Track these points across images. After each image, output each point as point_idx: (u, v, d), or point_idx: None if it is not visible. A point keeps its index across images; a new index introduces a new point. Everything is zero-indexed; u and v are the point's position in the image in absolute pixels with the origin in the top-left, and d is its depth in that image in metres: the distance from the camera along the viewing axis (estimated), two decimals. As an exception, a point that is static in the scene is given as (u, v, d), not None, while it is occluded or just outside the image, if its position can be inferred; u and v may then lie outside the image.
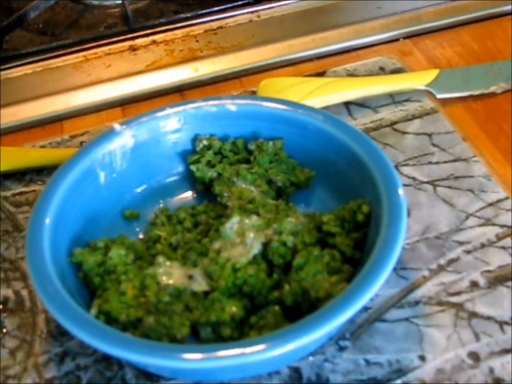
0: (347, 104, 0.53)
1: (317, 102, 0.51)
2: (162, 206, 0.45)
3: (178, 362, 0.32)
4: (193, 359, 0.32)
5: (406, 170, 0.48)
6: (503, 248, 0.42)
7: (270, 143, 0.45)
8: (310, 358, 0.38)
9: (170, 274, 0.38)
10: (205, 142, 0.45)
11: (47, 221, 0.38)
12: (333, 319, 0.33)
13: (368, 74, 0.56)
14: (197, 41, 0.61)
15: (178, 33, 0.62)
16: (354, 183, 0.42)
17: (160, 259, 0.39)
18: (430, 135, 0.50)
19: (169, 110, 0.45)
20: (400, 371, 0.37)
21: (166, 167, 0.46)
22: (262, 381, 0.37)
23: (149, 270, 0.38)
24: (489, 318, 0.39)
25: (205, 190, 0.46)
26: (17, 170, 0.50)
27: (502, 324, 0.39)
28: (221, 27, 0.62)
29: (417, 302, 0.40)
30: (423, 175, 0.47)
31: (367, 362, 0.37)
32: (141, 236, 0.44)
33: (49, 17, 0.66)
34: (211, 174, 0.45)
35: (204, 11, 0.63)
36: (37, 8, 0.65)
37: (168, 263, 0.39)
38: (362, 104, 0.53)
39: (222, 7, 0.63)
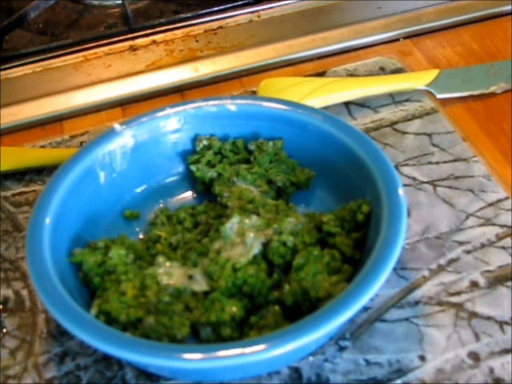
0: (347, 104, 0.53)
1: (317, 102, 0.51)
2: (161, 206, 0.45)
3: (178, 362, 0.32)
4: (193, 359, 0.32)
5: (405, 169, 0.48)
6: (503, 248, 0.42)
7: (270, 143, 0.45)
8: (310, 358, 0.38)
9: (170, 274, 0.38)
10: (205, 142, 0.45)
11: (47, 221, 0.38)
12: (333, 319, 0.33)
13: (368, 74, 0.56)
14: (197, 41, 0.61)
15: (178, 33, 0.62)
16: (354, 183, 0.42)
17: (160, 259, 0.39)
18: (430, 135, 0.50)
19: (169, 110, 0.45)
20: (400, 371, 0.37)
21: (165, 167, 0.46)
22: (262, 381, 0.37)
23: (149, 270, 0.38)
24: (489, 318, 0.39)
25: (205, 190, 0.46)
26: (17, 170, 0.50)
27: (501, 324, 0.39)
28: (221, 27, 0.62)
29: (417, 302, 0.40)
30: (423, 175, 0.47)
31: (367, 361, 0.37)
32: (141, 236, 0.44)
33: (49, 17, 0.66)
34: (211, 173, 0.45)
35: (204, 11, 0.63)
36: (37, 8, 0.65)
37: (168, 263, 0.39)
38: (362, 104, 0.53)
39: (221, 7, 0.63)
